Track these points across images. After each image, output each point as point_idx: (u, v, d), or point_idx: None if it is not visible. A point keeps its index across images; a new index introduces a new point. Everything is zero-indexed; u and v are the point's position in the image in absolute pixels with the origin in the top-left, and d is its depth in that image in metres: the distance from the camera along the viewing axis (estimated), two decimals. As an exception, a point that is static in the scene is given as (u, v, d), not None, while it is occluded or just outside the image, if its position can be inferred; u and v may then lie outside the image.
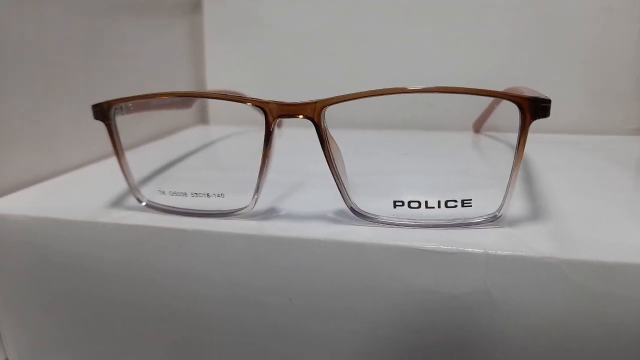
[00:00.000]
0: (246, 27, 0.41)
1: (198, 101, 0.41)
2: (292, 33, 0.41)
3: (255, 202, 0.20)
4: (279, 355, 0.20)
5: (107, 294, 0.21)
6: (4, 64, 0.25)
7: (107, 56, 0.32)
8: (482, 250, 0.17)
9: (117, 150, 0.21)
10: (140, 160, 0.30)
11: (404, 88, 0.18)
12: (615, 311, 0.16)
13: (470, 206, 0.19)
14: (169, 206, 0.21)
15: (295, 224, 0.20)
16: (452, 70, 0.37)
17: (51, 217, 0.21)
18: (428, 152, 0.30)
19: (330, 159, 0.19)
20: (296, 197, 0.23)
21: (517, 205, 0.21)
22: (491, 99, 0.30)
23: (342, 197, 0.19)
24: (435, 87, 0.18)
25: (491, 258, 0.17)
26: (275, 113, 0.19)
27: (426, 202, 0.19)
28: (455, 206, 0.19)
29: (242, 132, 0.38)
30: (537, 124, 0.36)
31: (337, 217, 0.20)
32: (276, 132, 0.19)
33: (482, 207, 0.19)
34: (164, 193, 0.22)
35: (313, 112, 0.18)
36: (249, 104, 0.19)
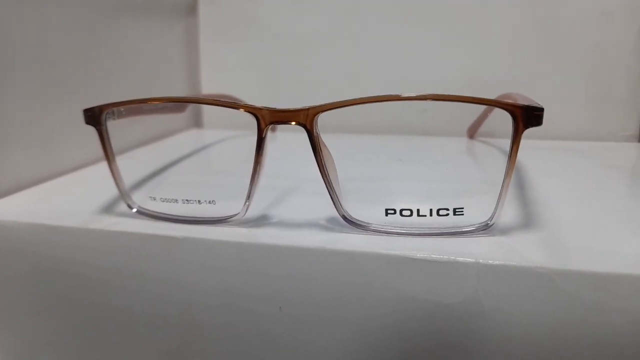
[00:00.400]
0: (241, 30, 0.41)
1: (192, 105, 0.40)
2: (287, 35, 0.40)
3: (247, 209, 0.20)
4: (270, 363, 0.20)
5: (99, 301, 0.21)
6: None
7: (103, 58, 0.32)
8: (474, 260, 0.17)
9: (108, 155, 0.21)
10: (133, 165, 0.30)
11: (398, 95, 0.18)
12: (607, 322, 0.16)
13: (462, 214, 0.19)
14: (160, 213, 0.21)
15: (286, 231, 0.19)
16: (451, 74, 0.37)
17: (43, 223, 0.21)
18: (422, 158, 0.30)
19: (323, 167, 0.19)
20: (288, 204, 0.22)
21: (510, 213, 0.21)
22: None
23: (334, 205, 0.19)
24: (429, 95, 0.18)
25: (483, 267, 0.17)
26: (267, 120, 0.19)
27: (418, 210, 0.19)
28: (447, 214, 0.19)
29: (236, 136, 0.38)
30: (533, 130, 0.36)
31: (329, 225, 0.20)
32: (269, 137, 0.19)
33: (474, 216, 0.19)
34: (154, 199, 0.22)
35: (305, 118, 0.18)
36: (241, 109, 0.19)
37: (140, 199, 0.22)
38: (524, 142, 0.35)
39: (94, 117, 0.21)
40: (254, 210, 0.21)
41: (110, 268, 0.21)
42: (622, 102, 0.34)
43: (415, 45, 0.38)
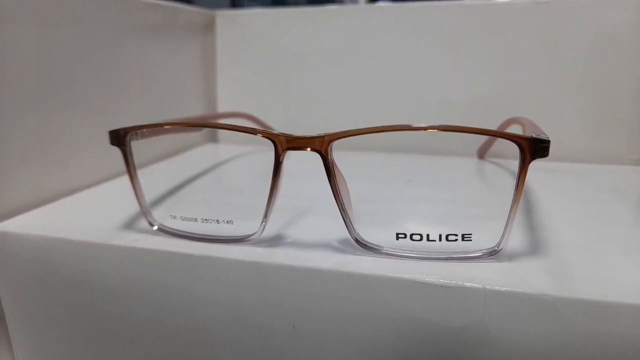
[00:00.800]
0: (258, 48, 0.42)
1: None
2: (303, 53, 0.41)
3: (263, 229, 0.21)
4: (282, 379, 0.20)
5: (118, 313, 0.22)
6: (20, 82, 0.26)
7: (122, 77, 0.33)
8: (481, 286, 0.17)
9: (131, 175, 0.22)
10: (151, 181, 0.31)
11: (408, 125, 0.19)
12: (608, 350, 0.16)
13: (470, 240, 0.19)
14: (180, 231, 0.22)
15: (301, 252, 0.20)
16: (459, 96, 0.38)
17: (66, 237, 0.22)
18: (431, 179, 0.31)
19: (337, 191, 0.20)
20: (303, 224, 0.23)
21: (517, 238, 0.21)
22: (494, 123, 0.31)
23: (347, 228, 0.20)
24: (439, 125, 0.19)
25: (489, 293, 0.17)
26: (284, 145, 0.20)
27: (427, 235, 0.20)
28: (456, 240, 0.19)
29: (252, 151, 0.39)
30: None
31: (341, 247, 0.21)
32: (285, 162, 0.20)
33: (482, 241, 0.19)
34: (175, 218, 0.22)
35: (321, 145, 0.19)
36: (259, 135, 0.20)
37: (160, 216, 0.23)
38: (531, 164, 0.35)
39: (119, 138, 0.22)
40: (269, 230, 0.22)
41: (132, 282, 0.21)
42: (630, 125, 0.34)
43: (427, 66, 0.39)
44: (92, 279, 0.22)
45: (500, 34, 0.36)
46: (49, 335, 0.24)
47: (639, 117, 0.34)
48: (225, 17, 0.43)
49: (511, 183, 0.30)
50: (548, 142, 0.18)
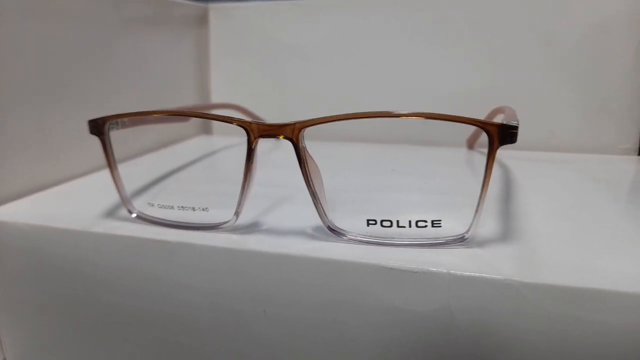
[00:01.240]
0: (251, 41, 0.43)
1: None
2: (296, 46, 0.42)
3: (237, 217, 0.21)
4: (256, 364, 0.21)
5: (99, 299, 0.22)
6: (13, 76, 0.26)
7: (114, 69, 0.34)
8: (445, 271, 0.18)
9: (110, 164, 0.23)
10: (139, 171, 0.31)
11: (381, 112, 0.19)
12: (573, 334, 0.16)
13: (440, 226, 0.19)
14: (157, 218, 0.22)
15: (274, 238, 0.21)
16: (451, 85, 0.38)
17: (50, 225, 0.23)
18: (416, 168, 0.31)
19: (308, 179, 0.20)
20: (280, 212, 0.23)
21: (490, 225, 0.21)
22: (485, 114, 0.31)
23: (319, 215, 0.20)
24: (412, 113, 0.19)
25: (454, 278, 0.17)
26: (256, 133, 0.20)
27: (397, 221, 0.20)
28: (426, 226, 0.20)
29: (243, 142, 0.39)
30: (528, 141, 0.37)
31: (315, 233, 0.21)
32: (259, 149, 0.20)
33: (451, 228, 0.19)
34: (152, 205, 0.23)
35: (292, 132, 0.19)
36: (234, 123, 0.20)
37: (140, 204, 0.23)
38: (519, 154, 0.36)
39: (98, 127, 0.22)
40: (247, 217, 0.22)
41: (111, 268, 0.22)
42: (620, 114, 0.34)
43: (418, 57, 0.39)
44: (73, 264, 0.22)
45: (491, 24, 0.36)
46: (34, 319, 0.24)
47: (629, 107, 0.34)
48: (219, 10, 0.43)
49: (494, 172, 0.30)
50: (516, 127, 0.18)
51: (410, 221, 0.20)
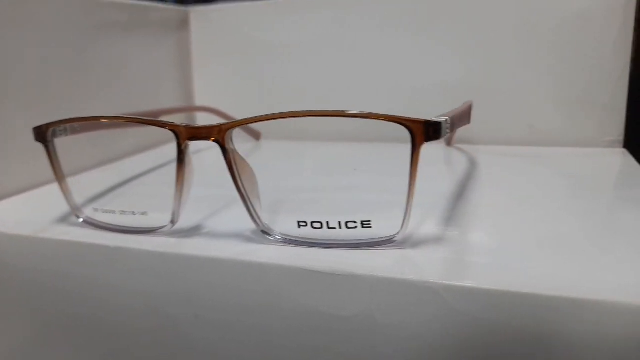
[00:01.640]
0: (233, 43, 0.43)
1: (183, 116, 0.42)
2: (278, 47, 0.41)
3: (173, 221, 0.21)
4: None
5: (45, 304, 0.23)
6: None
7: (90, 73, 0.34)
8: (368, 273, 0.17)
9: (56, 170, 0.23)
10: (102, 176, 0.31)
11: (306, 111, 0.19)
12: (494, 338, 0.16)
13: (370, 227, 0.19)
14: (102, 223, 0.22)
15: (210, 242, 0.20)
16: (430, 79, 0.37)
17: (2, 231, 0.23)
18: (381, 167, 0.30)
19: (238, 181, 0.19)
20: (222, 215, 0.23)
21: (430, 225, 0.20)
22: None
23: (251, 217, 0.20)
24: (332, 111, 0.18)
25: (376, 281, 0.17)
26: (184, 136, 0.20)
27: (327, 222, 0.19)
28: (356, 227, 0.19)
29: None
30: (507, 136, 0.36)
31: (252, 237, 0.20)
32: (189, 152, 0.20)
33: (383, 228, 0.19)
34: (97, 210, 0.23)
35: (218, 134, 0.19)
36: (166, 128, 0.20)
37: (91, 210, 0.23)
38: (497, 149, 0.34)
39: (41, 134, 0.22)
40: (189, 220, 0.22)
41: (56, 273, 0.22)
42: (603, 106, 0.32)
43: (396, 51, 0.38)
44: (22, 270, 0.23)
45: (467, 16, 0.35)
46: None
47: (612, 98, 0.32)
48: (199, 13, 0.43)
49: (459, 169, 0.29)
50: (439, 124, 0.17)
51: (340, 222, 0.19)
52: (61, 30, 0.32)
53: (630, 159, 0.29)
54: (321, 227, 0.19)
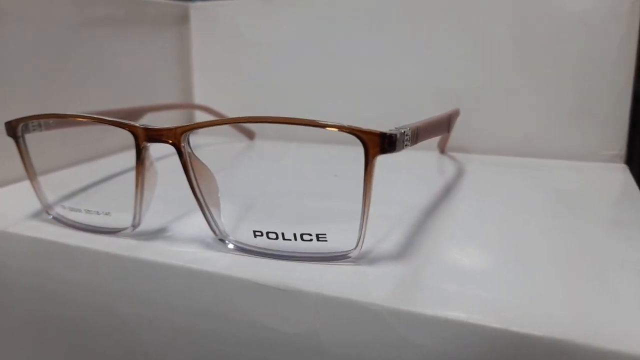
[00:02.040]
0: (233, 39, 0.42)
1: (179, 113, 0.42)
2: (278, 44, 0.41)
3: (134, 223, 0.21)
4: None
5: (6, 298, 0.23)
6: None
7: (86, 68, 0.34)
8: (313, 290, 0.16)
9: (26, 165, 0.23)
10: (84, 173, 0.31)
11: (258, 117, 0.18)
12: (436, 367, 0.15)
13: (326, 241, 0.18)
14: (69, 220, 0.22)
15: (168, 246, 0.20)
16: (428, 85, 0.36)
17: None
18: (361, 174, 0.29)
19: (194, 186, 0.19)
20: (188, 218, 0.23)
21: (393, 241, 0.20)
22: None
23: (208, 223, 0.19)
24: (282, 118, 0.17)
25: (321, 298, 0.16)
26: (142, 137, 0.19)
27: (283, 234, 0.19)
28: (311, 240, 0.18)
29: (218, 143, 0.39)
30: (502, 146, 0.34)
31: (210, 243, 0.20)
32: (149, 154, 0.20)
33: (340, 242, 0.18)
34: (64, 208, 0.23)
35: (174, 137, 0.19)
36: (126, 129, 0.20)
37: (60, 207, 0.23)
38: (487, 158, 0.33)
39: (11, 129, 0.22)
40: (154, 223, 0.22)
41: (19, 268, 0.22)
42: (605, 119, 0.31)
43: (393, 55, 0.37)
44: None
45: (464, 20, 0.34)
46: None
47: (614, 109, 0.30)
48: (199, 9, 0.43)
49: (443, 180, 0.28)
50: (393, 136, 0.16)
51: (295, 234, 0.18)
52: (55, 26, 0.32)
53: (629, 177, 0.28)
54: (277, 238, 0.19)
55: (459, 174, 0.29)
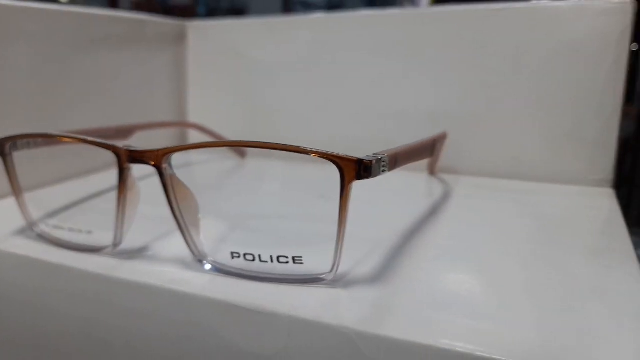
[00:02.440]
0: (230, 58, 0.43)
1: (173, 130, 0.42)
2: (275, 64, 0.41)
3: (115, 242, 0.21)
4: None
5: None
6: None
7: (83, 85, 0.35)
8: (287, 313, 0.16)
9: (12, 183, 0.23)
10: (72, 191, 0.32)
11: (242, 142, 0.18)
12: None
13: (302, 263, 0.18)
14: (53, 238, 0.23)
15: (147, 266, 0.20)
16: (417, 108, 0.36)
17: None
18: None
19: (174, 207, 0.19)
20: (169, 238, 0.23)
21: (371, 265, 0.20)
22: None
23: (187, 244, 0.20)
24: (266, 143, 0.18)
25: (294, 321, 0.16)
26: (125, 158, 0.20)
27: (260, 255, 0.19)
28: (287, 262, 0.18)
29: (211, 160, 0.39)
30: (494, 165, 0.35)
31: (189, 263, 0.20)
32: (131, 174, 0.20)
33: (315, 265, 0.18)
34: (48, 226, 0.23)
35: (156, 159, 0.19)
36: (109, 150, 0.20)
37: (44, 225, 0.24)
38: (474, 180, 0.33)
39: (0, 147, 0.23)
40: (136, 242, 0.22)
41: (8, 285, 0.22)
42: (592, 143, 0.31)
43: (383, 76, 0.37)
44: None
45: (457, 44, 0.34)
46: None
47: (602, 134, 0.30)
48: (197, 28, 0.43)
49: (428, 202, 0.28)
50: (368, 162, 0.17)
51: (271, 256, 0.19)
52: (55, 44, 0.32)
53: (614, 202, 0.28)
54: (254, 260, 0.19)
55: (445, 196, 0.29)
